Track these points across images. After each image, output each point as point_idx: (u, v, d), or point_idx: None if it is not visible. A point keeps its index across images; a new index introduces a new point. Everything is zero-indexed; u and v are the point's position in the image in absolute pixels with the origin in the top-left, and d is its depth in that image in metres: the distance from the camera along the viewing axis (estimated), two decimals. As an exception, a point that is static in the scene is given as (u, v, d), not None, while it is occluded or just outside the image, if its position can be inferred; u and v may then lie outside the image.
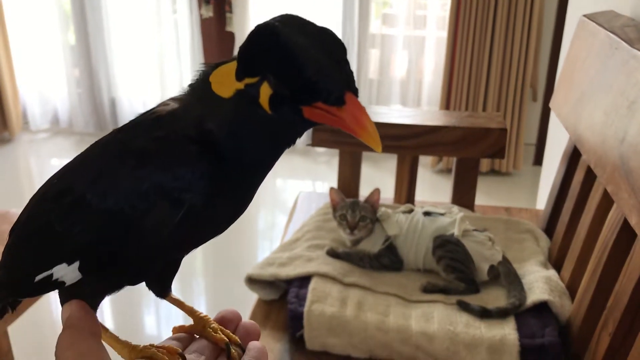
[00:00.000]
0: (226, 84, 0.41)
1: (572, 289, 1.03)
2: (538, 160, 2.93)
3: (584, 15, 1.16)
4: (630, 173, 0.80)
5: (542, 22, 2.77)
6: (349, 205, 1.12)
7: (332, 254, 1.12)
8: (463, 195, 1.32)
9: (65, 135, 3.37)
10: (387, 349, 0.96)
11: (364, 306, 1.00)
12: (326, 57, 0.38)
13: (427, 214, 1.13)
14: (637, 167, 0.79)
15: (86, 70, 3.26)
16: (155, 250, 0.42)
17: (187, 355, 0.47)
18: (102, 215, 0.41)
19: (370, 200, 1.13)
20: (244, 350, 0.49)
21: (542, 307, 0.98)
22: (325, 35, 0.39)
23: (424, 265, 1.10)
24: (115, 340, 0.46)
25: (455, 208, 1.18)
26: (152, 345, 0.46)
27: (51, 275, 0.42)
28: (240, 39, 3.08)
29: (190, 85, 0.43)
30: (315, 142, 1.28)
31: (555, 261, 1.13)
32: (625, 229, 0.86)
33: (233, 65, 0.41)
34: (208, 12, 3.07)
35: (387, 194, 1.33)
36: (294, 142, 0.42)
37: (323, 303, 0.99)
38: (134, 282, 0.45)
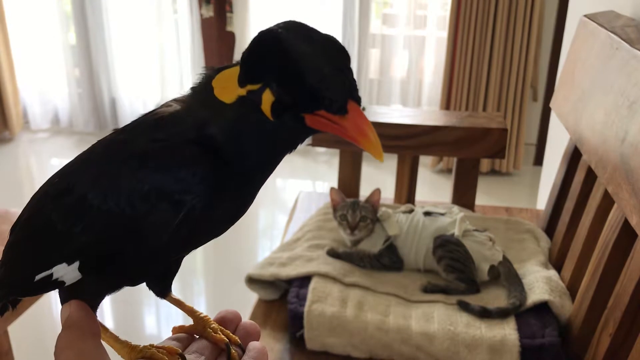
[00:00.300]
0: (228, 89, 0.41)
1: (572, 289, 1.03)
2: (538, 160, 2.93)
3: (585, 16, 1.16)
4: (631, 173, 0.80)
5: (542, 22, 2.77)
6: (350, 205, 1.12)
7: (333, 254, 1.11)
8: (463, 195, 1.32)
9: (66, 135, 3.37)
10: (387, 349, 0.96)
11: (364, 306, 1.00)
12: (329, 65, 0.38)
13: (427, 214, 1.13)
14: (638, 167, 0.79)
15: (86, 70, 3.26)
16: (155, 251, 0.42)
17: (187, 356, 0.47)
18: (103, 215, 0.41)
19: (370, 200, 1.13)
20: (244, 351, 0.49)
21: (543, 308, 0.98)
22: (329, 42, 0.39)
23: (424, 265, 1.10)
24: (115, 340, 0.46)
25: (456, 208, 1.18)
26: (151, 346, 0.46)
27: (51, 274, 0.42)
28: (240, 39, 3.07)
29: (192, 88, 0.43)
30: (316, 142, 1.28)
31: (556, 261, 1.13)
32: (626, 229, 0.86)
33: (236, 70, 0.41)
34: (208, 12, 3.07)
35: (388, 194, 1.33)
36: (295, 148, 0.42)
37: (323, 303, 0.99)
38: (134, 283, 0.45)
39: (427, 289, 1.05)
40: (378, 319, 0.97)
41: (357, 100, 0.38)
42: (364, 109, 1.28)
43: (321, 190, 2.82)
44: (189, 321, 0.51)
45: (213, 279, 2.22)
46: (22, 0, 3.19)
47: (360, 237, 1.12)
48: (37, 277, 0.43)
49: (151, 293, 0.50)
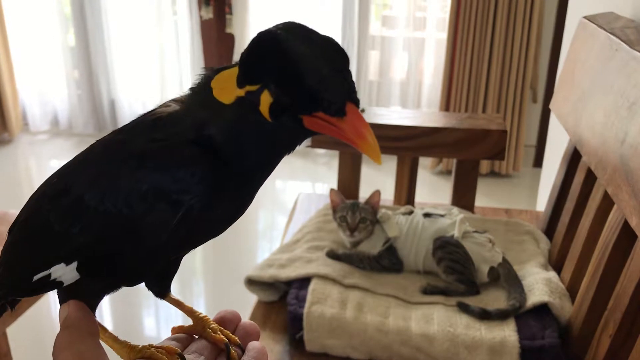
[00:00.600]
0: (227, 90, 0.40)
1: (572, 290, 1.03)
2: (538, 162, 2.93)
3: (584, 17, 1.16)
4: (631, 174, 0.80)
5: (542, 24, 2.77)
6: (349, 207, 1.12)
7: (332, 255, 1.11)
8: (463, 197, 1.31)
9: (65, 137, 3.37)
10: (387, 350, 0.96)
11: (364, 308, 1.00)
12: (328, 66, 0.37)
13: (427, 215, 1.13)
14: (638, 169, 0.79)
15: (86, 72, 3.26)
16: (154, 251, 0.42)
17: (186, 356, 0.47)
18: (101, 216, 0.40)
19: (370, 202, 1.13)
20: (243, 351, 0.49)
21: (542, 309, 0.98)
22: (328, 44, 0.39)
23: (424, 267, 1.10)
24: (114, 341, 0.46)
25: (455, 209, 1.18)
26: (151, 346, 0.46)
27: (49, 275, 0.42)
28: (240, 41, 3.08)
29: (191, 89, 0.43)
30: (315, 144, 1.28)
31: (556, 263, 1.13)
32: (626, 230, 0.86)
33: (234, 71, 0.41)
34: (208, 14, 3.07)
35: (387, 195, 1.33)
36: (293, 149, 0.42)
37: (323, 304, 0.99)
38: (132, 283, 0.45)
39: (427, 291, 1.05)
40: (378, 321, 0.97)
41: (356, 102, 0.38)
42: (363, 110, 1.29)
43: (321, 191, 2.82)
44: (188, 321, 0.51)
45: (212, 280, 2.21)
46: (21, 1, 3.19)
47: (360, 239, 1.12)
48: (35, 278, 0.43)
49: (150, 293, 0.50)
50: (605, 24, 1.06)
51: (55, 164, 3.09)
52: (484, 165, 2.89)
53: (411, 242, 1.10)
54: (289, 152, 0.42)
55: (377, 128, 1.21)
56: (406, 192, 1.33)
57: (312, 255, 1.11)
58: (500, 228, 1.23)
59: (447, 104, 2.85)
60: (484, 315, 0.97)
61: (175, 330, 0.51)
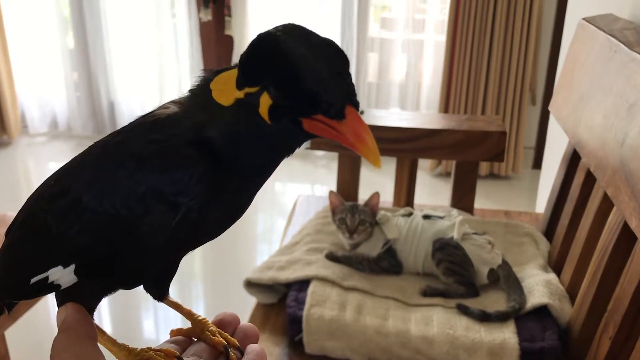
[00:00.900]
0: (226, 92, 0.40)
1: (572, 292, 1.03)
2: (537, 163, 2.93)
3: (583, 19, 1.16)
4: (631, 176, 0.80)
5: (541, 26, 2.77)
6: (348, 209, 1.12)
7: (331, 257, 1.11)
8: (462, 199, 1.31)
9: (64, 139, 3.37)
10: (386, 352, 0.96)
11: (363, 310, 0.99)
12: (328, 69, 0.37)
13: (426, 217, 1.12)
14: (637, 170, 0.78)
15: (85, 74, 3.26)
16: (152, 253, 0.42)
17: (185, 358, 0.46)
18: (99, 218, 0.40)
19: (369, 204, 1.13)
20: (242, 353, 0.48)
21: (542, 311, 0.98)
22: (328, 46, 0.38)
23: (424, 269, 1.10)
24: (112, 344, 0.46)
25: (455, 211, 1.18)
26: (149, 348, 0.46)
27: (47, 277, 0.42)
28: (239, 43, 3.08)
29: (190, 91, 0.43)
30: (315, 146, 1.28)
31: (555, 264, 1.13)
32: (626, 232, 0.86)
33: (234, 73, 0.40)
34: (207, 16, 3.07)
35: (387, 197, 1.33)
36: (292, 152, 0.42)
37: (322, 307, 0.99)
38: (130, 286, 0.45)
39: (427, 293, 1.05)
40: (377, 323, 0.97)
41: (356, 105, 0.38)
42: (362, 112, 1.28)
43: (320, 193, 2.82)
44: (187, 324, 0.51)
45: (211, 282, 2.21)
46: (20, 4, 3.19)
47: (359, 241, 1.12)
48: (33, 280, 0.42)
49: (149, 296, 0.49)
50: (604, 26, 1.06)
51: (54, 166, 3.08)
52: (483, 167, 2.89)
53: (410, 244, 1.10)
54: (288, 155, 0.42)
55: (376, 130, 1.21)
56: (405, 193, 1.33)
57: (312, 258, 1.11)
58: (499, 230, 1.23)
59: (446, 106, 2.86)
60: (484, 317, 0.97)
61: (173, 332, 0.50)
